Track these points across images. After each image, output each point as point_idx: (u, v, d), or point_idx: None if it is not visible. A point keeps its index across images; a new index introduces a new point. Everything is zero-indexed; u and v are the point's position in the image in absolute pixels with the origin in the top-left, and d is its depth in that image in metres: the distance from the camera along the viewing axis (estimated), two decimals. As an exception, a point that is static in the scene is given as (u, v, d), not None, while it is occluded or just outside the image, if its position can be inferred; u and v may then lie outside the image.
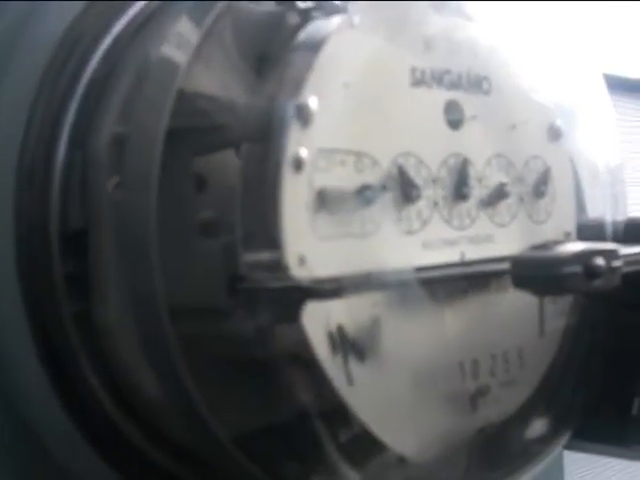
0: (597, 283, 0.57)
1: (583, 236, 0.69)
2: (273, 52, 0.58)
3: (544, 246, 0.60)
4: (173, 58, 0.57)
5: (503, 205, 0.64)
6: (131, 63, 0.61)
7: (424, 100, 0.60)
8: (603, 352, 0.70)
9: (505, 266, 0.59)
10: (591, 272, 0.56)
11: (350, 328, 0.56)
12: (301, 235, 0.54)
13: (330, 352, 0.56)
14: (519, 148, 0.66)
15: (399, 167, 0.59)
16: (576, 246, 0.59)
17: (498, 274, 0.62)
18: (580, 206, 0.70)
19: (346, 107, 0.57)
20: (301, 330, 0.54)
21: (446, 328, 0.62)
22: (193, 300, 0.56)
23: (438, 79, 0.61)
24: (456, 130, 0.62)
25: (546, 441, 0.70)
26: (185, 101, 0.56)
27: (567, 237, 0.68)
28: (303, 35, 0.58)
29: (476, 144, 0.63)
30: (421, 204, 0.60)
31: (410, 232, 0.59)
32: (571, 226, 0.69)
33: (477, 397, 0.63)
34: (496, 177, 0.64)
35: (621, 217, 0.72)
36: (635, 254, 0.62)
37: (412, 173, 0.59)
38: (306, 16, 0.59)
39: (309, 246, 0.55)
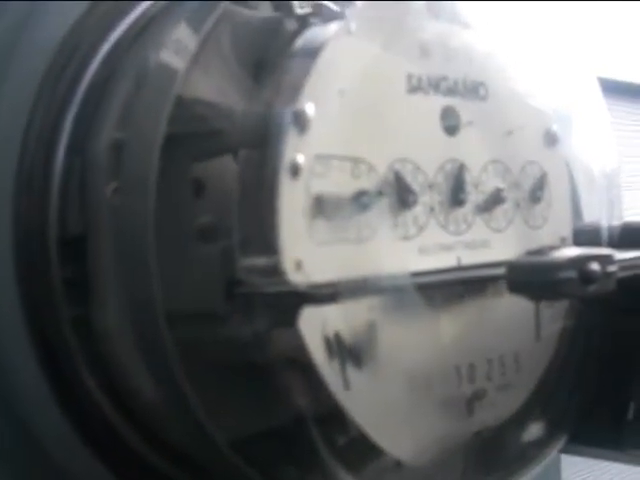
0: (592, 288, 0.57)
1: (579, 241, 0.69)
2: (270, 58, 0.58)
3: (540, 251, 0.61)
4: (171, 64, 0.57)
5: (499, 210, 0.65)
6: (130, 69, 0.62)
7: (420, 106, 0.61)
8: (599, 356, 0.70)
9: (501, 271, 0.59)
10: (586, 277, 0.57)
11: (347, 333, 0.57)
12: (298, 240, 0.55)
13: (327, 357, 0.56)
14: (515, 154, 0.66)
15: (396, 173, 0.59)
16: (572, 251, 0.60)
17: (494, 279, 0.62)
18: (576, 211, 0.70)
19: (343, 113, 0.57)
20: (298, 335, 0.55)
21: (442, 333, 0.62)
22: (191, 305, 0.57)
23: (434, 85, 0.61)
24: (452, 136, 0.62)
25: (542, 445, 0.71)
26: (183, 107, 0.56)
27: (563, 242, 0.68)
28: (300, 42, 0.58)
29: (472, 150, 0.63)
30: (417, 210, 0.60)
31: (406, 237, 0.60)
32: (567, 231, 0.69)
33: (473, 401, 0.63)
34: (492, 183, 0.64)
35: (617, 222, 0.72)
36: (630, 259, 0.62)
37: (409, 179, 0.59)
38: (303, 23, 0.59)
39: (306, 251, 0.55)
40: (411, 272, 0.59)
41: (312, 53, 0.56)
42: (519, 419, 0.67)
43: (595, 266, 0.57)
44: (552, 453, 0.72)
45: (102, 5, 0.64)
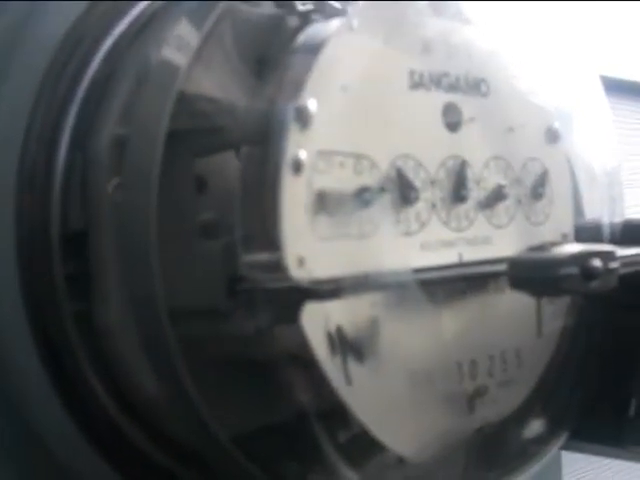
0: (594, 284, 0.57)
1: (580, 238, 0.69)
2: (273, 55, 0.58)
3: (541, 247, 0.61)
4: (173, 60, 0.57)
5: (501, 207, 0.65)
6: (131, 65, 0.62)
7: (422, 103, 0.61)
8: (600, 353, 0.70)
9: (503, 267, 0.59)
10: (588, 273, 0.57)
11: (349, 329, 0.57)
12: (300, 236, 0.55)
13: (329, 352, 0.56)
14: (517, 150, 0.66)
15: (398, 169, 0.59)
16: (573, 248, 0.59)
17: (496, 275, 0.62)
18: (577, 208, 0.70)
19: (345, 110, 0.57)
20: (300, 331, 0.55)
21: (444, 329, 0.62)
22: (193, 301, 0.57)
23: (436, 82, 0.61)
24: (454, 132, 0.63)
25: (543, 441, 0.71)
26: (185, 103, 0.56)
27: (564, 239, 0.68)
28: (302, 38, 0.58)
29: (474, 146, 0.64)
30: (419, 206, 0.60)
31: (408, 233, 0.60)
32: (568, 228, 0.69)
33: (475, 397, 0.63)
34: (494, 179, 0.64)
35: (618, 219, 0.72)
36: (632, 255, 0.62)
37: (411, 175, 0.60)
38: (305, 19, 0.59)
39: (308, 247, 0.55)
40: (413, 268, 0.59)
41: (314, 49, 0.57)
42: (521, 415, 0.67)
43: (597, 262, 0.57)
44: (553, 450, 0.72)
45: (103, 2, 0.64)
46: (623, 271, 0.59)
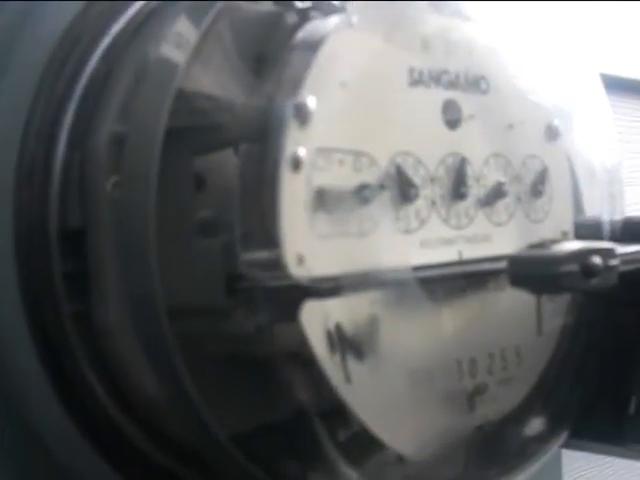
0: (594, 282, 0.57)
1: (580, 235, 0.69)
2: (271, 52, 0.58)
3: (541, 245, 0.61)
4: (172, 58, 0.57)
5: (501, 204, 0.65)
6: (130, 63, 0.62)
7: (422, 100, 0.61)
8: (600, 351, 0.70)
9: (503, 265, 0.59)
10: (588, 271, 0.56)
11: (348, 327, 0.57)
12: (299, 234, 0.55)
13: (328, 350, 0.56)
14: (517, 147, 0.66)
15: (397, 166, 0.59)
16: (573, 245, 0.59)
17: (496, 273, 0.62)
18: (577, 205, 0.70)
19: (344, 107, 0.57)
20: (300, 329, 0.55)
21: (444, 327, 0.62)
22: (192, 299, 0.57)
23: (436, 79, 0.61)
24: (454, 129, 0.62)
25: (544, 439, 0.71)
26: (184, 100, 0.56)
27: (564, 236, 0.68)
28: (301, 35, 0.58)
29: (474, 143, 0.63)
30: (419, 203, 0.60)
31: (408, 231, 0.60)
32: (568, 225, 0.69)
33: (475, 395, 0.63)
34: (494, 176, 0.64)
35: (618, 216, 0.72)
36: (632, 253, 0.62)
37: (410, 172, 0.59)
38: (304, 16, 0.59)
39: (307, 245, 0.55)
40: (412, 266, 0.59)
41: (313, 46, 0.56)
42: (520, 413, 0.67)
43: (597, 260, 0.57)
44: (553, 448, 0.72)
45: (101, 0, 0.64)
46: (623, 269, 0.59)
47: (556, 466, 0.89)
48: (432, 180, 0.61)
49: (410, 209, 0.60)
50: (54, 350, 0.60)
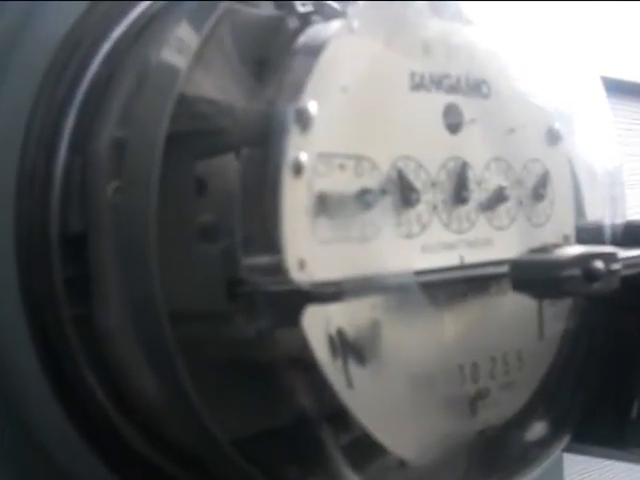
0: (596, 286, 0.57)
1: (582, 239, 0.69)
2: (273, 56, 0.58)
3: (543, 249, 0.60)
4: (173, 62, 0.57)
5: (502, 208, 0.65)
6: (131, 67, 0.61)
7: (423, 104, 0.61)
8: (602, 355, 0.70)
9: (504, 269, 0.59)
10: (590, 275, 0.56)
11: (350, 331, 0.57)
12: (301, 239, 0.55)
13: (330, 355, 0.56)
14: (518, 151, 0.66)
15: (398, 171, 0.59)
16: (575, 249, 0.59)
17: (497, 277, 0.62)
18: (579, 209, 0.70)
19: (346, 111, 0.57)
20: (301, 334, 0.54)
21: (446, 331, 0.62)
22: (193, 304, 0.57)
23: (437, 83, 0.61)
24: (455, 134, 0.62)
25: (545, 444, 0.71)
26: (185, 105, 0.56)
27: (566, 240, 0.68)
28: (303, 39, 0.58)
29: (475, 147, 0.63)
30: (420, 208, 0.60)
31: (409, 236, 0.59)
32: (570, 229, 0.69)
33: (477, 400, 0.63)
34: (495, 180, 0.64)
35: (620, 220, 0.72)
36: (634, 257, 0.62)
37: (411, 177, 0.59)
38: (306, 20, 0.59)
39: (309, 250, 0.55)
40: (414, 271, 0.59)
41: (314, 51, 0.56)
42: (522, 418, 0.67)
43: (599, 264, 0.57)
44: (555, 452, 0.72)
45: (102, 4, 0.64)
46: (625, 273, 0.59)
47: (557, 470, 0.89)
48: (433, 184, 0.61)
49: (411, 214, 0.59)
50: (54, 353, 0.60)
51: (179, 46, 0.57)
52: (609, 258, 0.58)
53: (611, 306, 0.66)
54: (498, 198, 0.64)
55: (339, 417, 0.57)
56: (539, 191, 0.67)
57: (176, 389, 0.56)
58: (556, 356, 0.68)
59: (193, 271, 0.56)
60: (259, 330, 0.56)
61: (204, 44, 0.57)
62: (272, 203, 0.54)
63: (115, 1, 0.64)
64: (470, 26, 0.65)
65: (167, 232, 0.55)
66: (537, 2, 0.70)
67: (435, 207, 0.61)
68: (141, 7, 0.65)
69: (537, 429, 0.70)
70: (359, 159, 0.57)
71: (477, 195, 0.63)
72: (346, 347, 0.56)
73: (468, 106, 0.63)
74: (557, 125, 0.68)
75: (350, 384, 0.57)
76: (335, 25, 0.58)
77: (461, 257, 0.62)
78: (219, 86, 0.57)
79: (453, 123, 0.62)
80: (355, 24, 0.58)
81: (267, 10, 0.60)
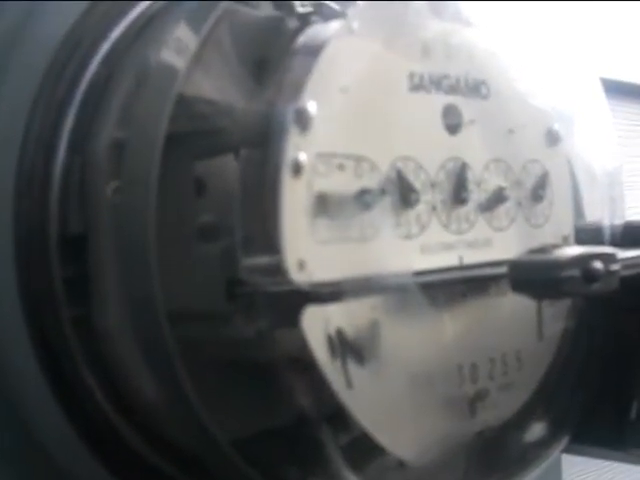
0: (595, 287, 0.57)
1: (581, 240, 0.69)
2: (272, 57, 0.58)
3: (542, 250, 0.61)
4: (172, 63, 0.57)
5: (501, 209, 0.65)
6: (130, 68, 0.61)
7: (422, 105, 0.61)
8: (601, 356, 0.70)
9: (503, 270, 0.59)
10: (589, 276, 0.56)
11: (349, 332, 0.57)
12: (300, 239, 0.55)
13: (329, 356, 0.56)
14: (517, 152, 0.66)
15: (398, 171, 0.59)
16: (574, 250, 0.59)
17: (496, 278, 0.62)
18: (578, 209, 0.70)
19: (345, 112, 0.57)
20: (300, 334, 0.54)
21: (445, 332, 0.62)
22: (192, 304, 0.57)
23: (436, 84, 0.61)
24: (454, 134, 0.62)
25: (544, 445, 0.71)
26: (184, 105, 0.56)
27: (565, 241, 0.68)
28: (302, 40, 0.58)
29: (474, 148, 0.63)
30: (420, 208, 0.60)
31: (409, 236, 0.60)
32: (569, 230, 0.69)
33: (476, 401, 0.63)
34: (494, 181, 0.64)
35: (619, 221, 0.72)
36: (633, 257, 0.62)
37: (411, 177, 0.59)
38: (305, 21, 0.59)
39: (308, 250, 0.55)
40: (413, 271, 0.59)
41: (314, 51, 0.56)
42: (521, 419, 0.67)
43: (598, 264, 0.57)
44: (554, 453, 0.72)
45: (102, 4, 0.64)
46: (624, 273, 0.59)
47: (556, 470, 0.89)
48: (433, 185, 0.61)
49: (411, 214, 0.59)
50: (53, 354, 0.60)
51: (178, 46, 0.57)
52: (608, 259, 0.58)
53: (610, 307, 0.66)
54: (497, 199, 0.64)
55: (338, 417, 0.57)
56: (538, 192, 0.67)
57: (175, 389, 0.55)
58: (555, 357, 0.68)
59: (192, 271, 0.56)
60: (258, 330, 0.56)
61: (203, 44, 0.57)
62: (271, 203, 0.54)
63: (115, 1, 0.64)
64: (469, 27, 0.65)
65: (166, 232, 0.55)
66: (537, 2, 0.71)
67: (434, 208, 0.61)
68: (140, 7, 0.65)
69: (536, 430, 0.70)
70: (358, 159, 0.57)
71: (476, 196, 0.63)
72: (345, 347, 0.56)
73: (467, 107, 0.63)
74: (556, 126, 0.68)
75: (349, 384, 0.57)
76: (334, 26, 0.58)
77: (460, 258, 0.62)
78: (218, 86, 0.57)
79: (452, 124, 0.62)
80: (354, 25, 0.58)
81: (266, 10, 0.60)
